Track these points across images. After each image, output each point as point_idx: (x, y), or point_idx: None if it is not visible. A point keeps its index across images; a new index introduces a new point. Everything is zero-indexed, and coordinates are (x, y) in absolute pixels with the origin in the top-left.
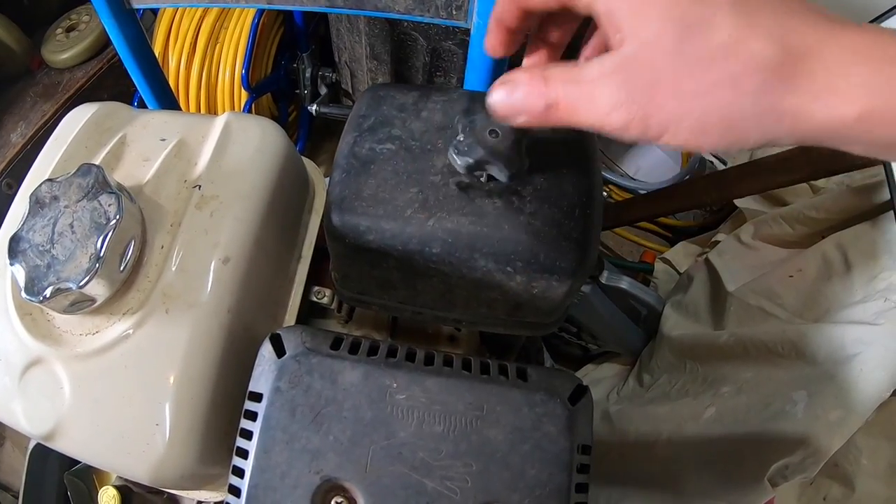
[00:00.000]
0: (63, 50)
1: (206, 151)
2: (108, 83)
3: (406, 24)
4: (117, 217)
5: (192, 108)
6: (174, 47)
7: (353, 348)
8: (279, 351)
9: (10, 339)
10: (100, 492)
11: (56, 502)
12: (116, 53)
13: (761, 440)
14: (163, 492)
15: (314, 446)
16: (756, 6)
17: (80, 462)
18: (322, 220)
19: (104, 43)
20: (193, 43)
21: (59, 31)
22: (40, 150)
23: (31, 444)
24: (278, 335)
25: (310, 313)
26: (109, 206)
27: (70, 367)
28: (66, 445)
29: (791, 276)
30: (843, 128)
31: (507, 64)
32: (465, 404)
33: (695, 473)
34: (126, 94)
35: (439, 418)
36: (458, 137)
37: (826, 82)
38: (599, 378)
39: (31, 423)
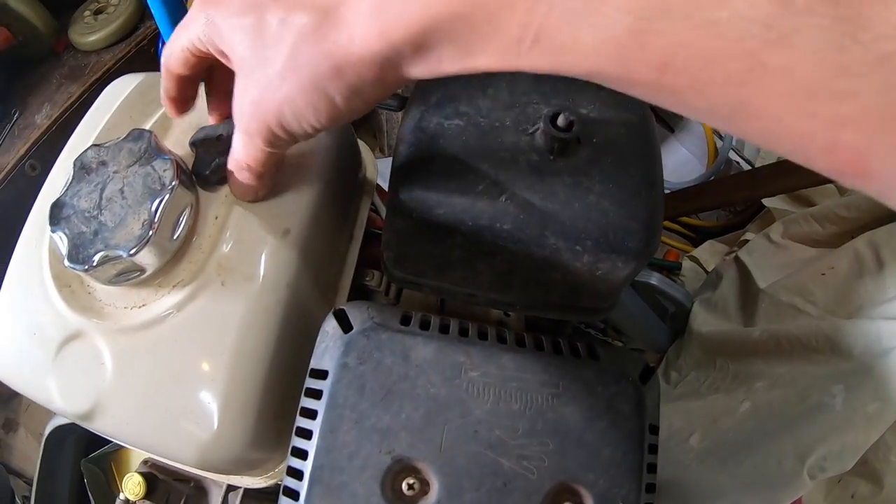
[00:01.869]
0: (91, 32)
1: None
2: (135, 67)
3: None
4: (173, 182)
5: None
6: None
7: (424, 325)
8: (345, 326)
9: (46, 312)
10: (124, 479)
11: (71, 489)
12: (145, 37)
13: (800, 432)
14: (189, 479)
15: (385, 425)
16: None
17: (97, 449)
18: (383, 196)
19: (133, 26)
20: None
21: (87, 13)
22: (66, 132)
23: (47, 431)
24: (342, 310)
25: (356, 297)
26: (165, 171)
27: (113, 341)
28: (105, 425)
29: (823, 274)
30: (382, 55)
31: None
32: (541, 382)
33: (732, 466)
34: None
35: (515, 396)
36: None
37: (352, 19)
38: None
39: (67, 400)
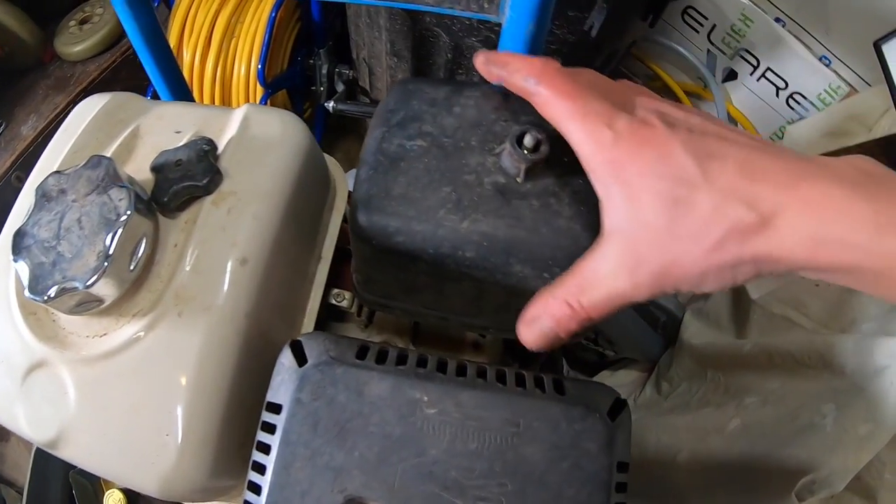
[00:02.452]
0: (76, 42)
1: (223, 145)
2: (121, 76)
3: (429, 19)
4: (128, 212)
5: (207, 103)
6: (189, 41)
7: (381, 357)
8: (300, 359)
9: (13, 340)
10: (105, 494)
11: (61, 499)
12: (130, 46)
13: (789, 454)
14: None
15: (338, 463)
16: (727, 173)
17: None
18: (345, 220)
19: (118, 36)
20: (209, 37)
21: (73, 23)
22: None
23: None
24: (299, 342)
25: (328, 317)
26: (120, 200)
27: (76, 371)
28: (70, 454)
29: (817, 285)
30: (796, 263)
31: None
32: (501, 419)
33: (720, 487)
34: (140, 89)
35: (473, 435)
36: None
37: (786, 231)
38: (616, 385)
39: (33, 429)
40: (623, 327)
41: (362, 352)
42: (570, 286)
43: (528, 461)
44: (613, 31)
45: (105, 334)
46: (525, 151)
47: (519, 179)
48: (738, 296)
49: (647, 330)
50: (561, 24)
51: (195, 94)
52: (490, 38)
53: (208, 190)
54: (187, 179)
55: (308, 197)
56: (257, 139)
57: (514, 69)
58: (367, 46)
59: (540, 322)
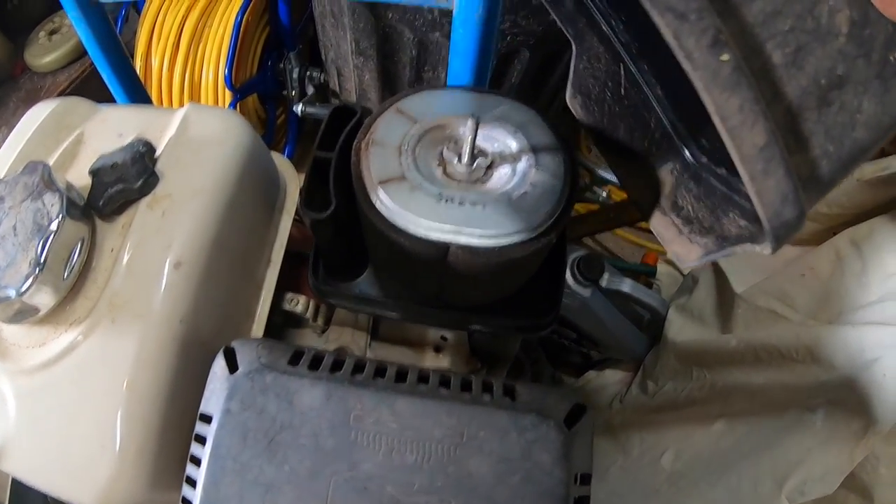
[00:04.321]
0: (45, 53)
1: (162, 146)
2: (91, 86)
3: (391, 16)
4: (59, 217)
5: (176, 108)
6: (157, 48)
7: (315, 363)
8: (232, 367)
9: None
10: None
11: None
12: None
13: (777, 453)
14: None
15: (268, 478)
16: None
17: None
18: (302, 224)
19: None
20: (176, 42)
21: (42, 34)
22: None
23: None
24: (232, 349)
25: (285, 323)
26: (52, 205)
27: (15, 382)
28: (11, 467)
29: (803, 275)
30: None
31: (492, 52)
32: (443, 430)
33: (705, 489)
34: (110, 99)
35: (411, 446)
36: None
37: None
38: (601, 385)
39: None
40: (607, 327)
41: (295, 357)
42: None
43: (473, 475)
44: None
45: (44, 344)
46: None
47: None
48: (722, 290)
49: (631, 329)
50: (526, 15)
51: (164, 101)
52: None
53: (143, 192)
54: (121, 182)
55: (251, 196)
56: (195, 139)
57: None
58: (334, 47)
59: None
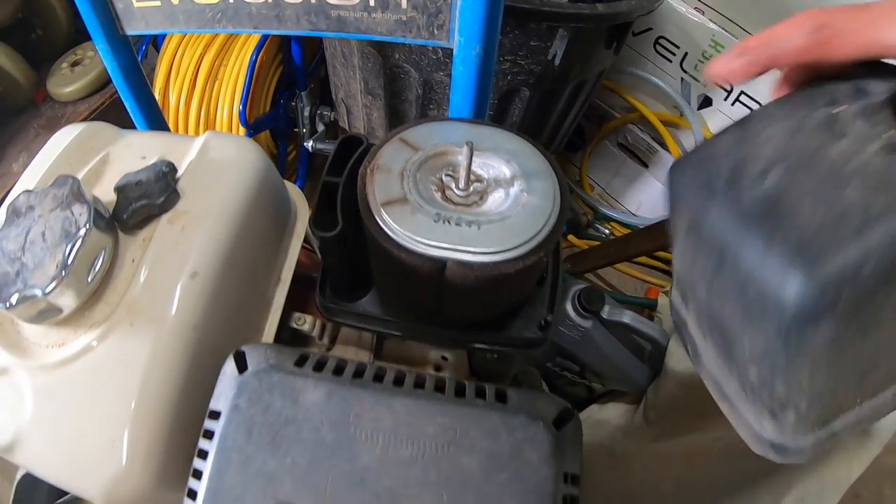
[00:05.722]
0: (67, 83)
1: (183, 168)
2: (110, 117)
3: (398, 56)
4: (87, 226)
5: None
6: (174, 84)
7: (319, 366)
8: (241, 367)
9: None
10: None
11: None
12: None
13: (775, 469)
14: None
15: (270, 469)
16: None
17: (67, 493)
18: (311, 248)
19: (108, 78)
20: (193, 80)
21: (65, 65)
22: None
23: (19, 475)
24: (242, 352)
25: (291, 341)
26: (80, 215)
27: (34, 378)
28: (24, 459)
29: None
30: None
31: (490, 88)
32: (436, 427)
33: None
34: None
35: (406, 442)
36: None
37: None
38: (605, 419)
39: None
40: (609, 358)
41: (301, 360)
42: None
43: (464, 470)
44: (578, 60)
45: (63, 344)
46: None
47: None
48: None
49: (632, 360)
50: (525, 55)
51: (181, 133)
52: None
53: (164, 208)
54: (145, 198)
55: (263, 218)
56: (214, 162)
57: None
58: (344, 87)
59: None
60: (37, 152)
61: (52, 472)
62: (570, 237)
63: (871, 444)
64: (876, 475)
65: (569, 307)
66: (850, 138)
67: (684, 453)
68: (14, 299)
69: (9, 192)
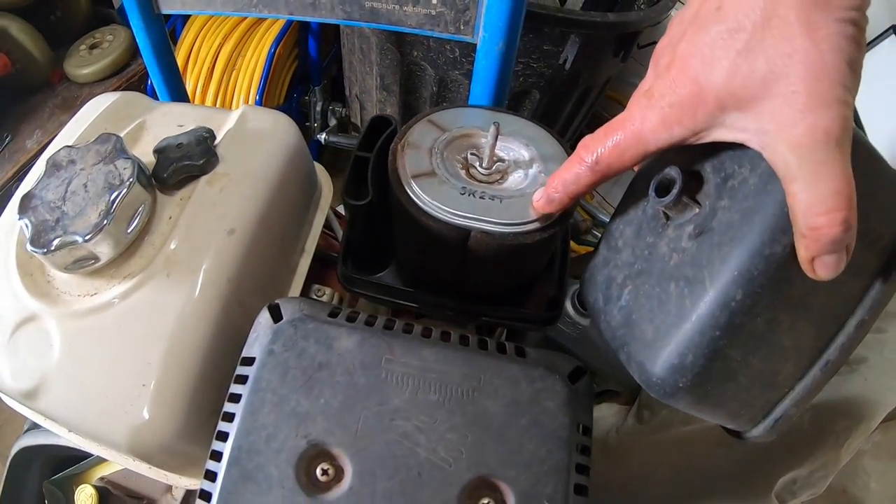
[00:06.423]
0: (85, 65)
1: (221, 135)
2: None
3: (416, 53)
4: (131, 179)
5: None
6: (192, 72)
7: (351, 318)
8: (276, 318)
9: (7, 297)
10: (76, 490)
11: None
12: (136, 73)
13: (767, 454)
14: (142, 496)
15: (303, 409)
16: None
17: (61, 471)
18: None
19: (125, 62)
20: (211, 68)
21: (83, 47)
22: None
23: (12, 452)
24: (277, 304)
25: None
26: (125, 169)
27: (63, 324)
28: (47, 405)
29: None
30: None
31: (509, 80)
32: (462, 374)
33: (700, 494)
34: None
35: (434, 386)
36: None
37: None
38: (598, 417)
39: (14, 378)
40: (603, 356)
41: (334, 312)
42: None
43: (487, 414)
44: (587, 65)
45: (96, 293)
46: None
47: None
48: None
49: None
50: (538, 58)
51: None
52: (471, 71)
53: (204, 170)
54: (186, 159)
55: (295, 186)
56: (252, 132)
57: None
58: (360, 82)
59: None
60: (51, 131)
61: (76, 418)
62: (570, 242)
63: (858, 430)
64: (862, 472)
65: (568, 305)
66: (672, 226)
67: (679, 441)
68: (55, 244)
69: (22, 167)
